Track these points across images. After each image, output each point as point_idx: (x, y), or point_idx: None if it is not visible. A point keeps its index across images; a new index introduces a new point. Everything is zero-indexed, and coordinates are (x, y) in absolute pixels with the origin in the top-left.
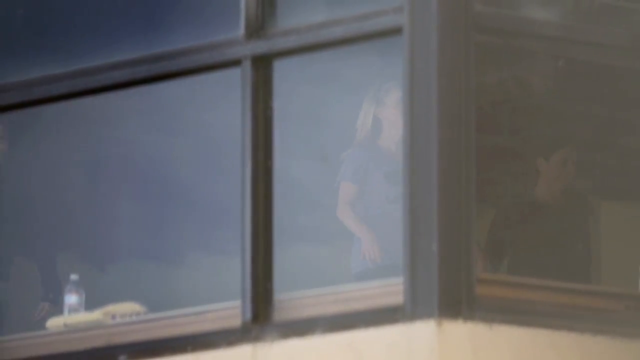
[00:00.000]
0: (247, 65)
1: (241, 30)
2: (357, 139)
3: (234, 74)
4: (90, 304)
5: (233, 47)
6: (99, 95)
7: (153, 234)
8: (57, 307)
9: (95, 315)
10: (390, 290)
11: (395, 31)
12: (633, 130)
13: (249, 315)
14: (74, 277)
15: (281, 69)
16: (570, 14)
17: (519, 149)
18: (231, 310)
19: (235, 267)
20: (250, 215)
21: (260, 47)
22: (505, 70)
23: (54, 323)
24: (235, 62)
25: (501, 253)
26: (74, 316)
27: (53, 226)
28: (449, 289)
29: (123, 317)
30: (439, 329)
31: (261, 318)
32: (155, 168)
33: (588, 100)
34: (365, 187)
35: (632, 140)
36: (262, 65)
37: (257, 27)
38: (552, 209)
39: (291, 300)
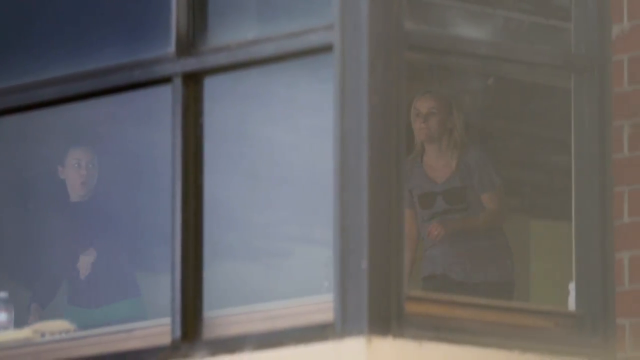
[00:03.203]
0: (177, 82)
1: (172, 48)
2: None
3: (165, 91)
4: (19, 322)
5: (164, 65)
6: (28, 113)
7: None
8: None
9: (25, 332)
10: (320, 307)
11: (326, 49)
12: (562, 148)
13: (178, 332)
14: (2, 294)
15: (212, 86)
16: (500, 33)
17: None
18: (160, 328)
19: (164, 285)
20: (180, 233)
21: (190, 64)
22: (435, 88)
23: None
24: (165, 80)
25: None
26: (3, 334)
27: None
28: (379, 306)
29: (52, 334)
30: (368, 346)
31: (191, 335)
32: None
33: (517, 119)
34: None
35: (561, 158)
36: (193, 82)
37: (188, 45)
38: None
39: (221, 317)
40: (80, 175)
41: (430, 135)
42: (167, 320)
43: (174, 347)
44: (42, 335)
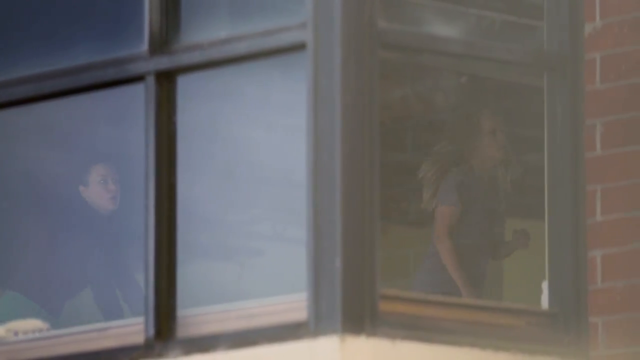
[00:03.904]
0: (150, 80)
1: (145, 46)
2: None
3: (138, 89)
4: None
5: (137, 63)
6: (1, 111)
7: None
8: None
9: None
10: (294, 306)
11: (299, 47)
12: (535, 147)
13: (152, 331)
14: None
15: (185, 85)
16: (473, 31)
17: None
18: (134, 327)
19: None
20: (154, 231)
21: (163, 62)
22: (409, 87)
23: None
24: (138, 78)
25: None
26: None
27: None
28: (352, 305)
29: (25, 333)
30: (342, 344)
31: (164, 334)
32: (57, 184)
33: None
34: None
35: (534, 157)
36: (166, 80)
37: (161, 43)
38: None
39: (194, 316)
40: (109, 190)
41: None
42: (141, 319)
43: (148, 346)
44: (15, 334)
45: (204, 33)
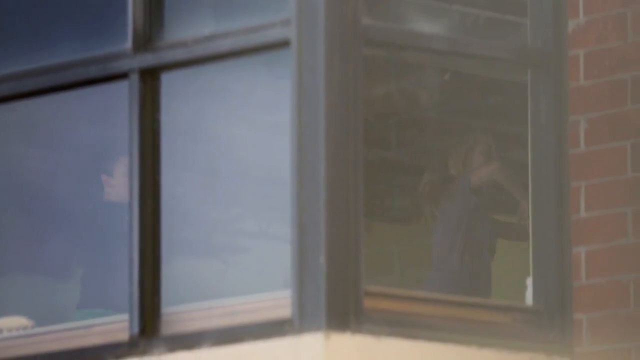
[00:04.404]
0: (134, 78)
1: (129, 43)
2: None
3: (122, 87)
4: None
5: (121, 60)
6: None
7: (39, 248)
8: None
9: None
10: (278, 303)
11: (283, 44)
12: (519, 143)
13: (136, 328)
14: None
15: (169, 82)
16: (457, 28)
17: (407, 162)
18: (119, 324)
19: (122, 281)
20: (138, 229)
21: (147, 60)
22: (392, 83)
23: None
24: (122, 75)
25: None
26: None
27: None
28: (337, 302)
29: (10, 331)
30: (326, 341)
31: (149, 331)
32: (42, 182)
33: (474, 113)
34: None
35: (518, 153)
36: (150, 78)
37: (145, 40)
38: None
39: (179, 313)
40: None
41: None
42: (126, 316)
43: (132, 343)
44: (0, 331)
45: (187, 30)
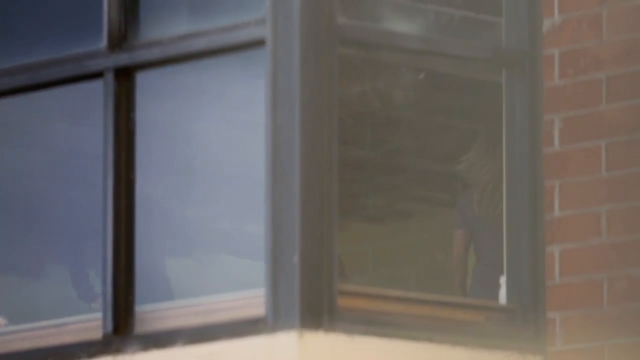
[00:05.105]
0: (109, 77)
1: (103, 42)
2: None
3: (96, 86)
4: None
5: (95, 59)
6: None
7: (13, 247)
8: None
9: None
10: (252, 301)
11: (258, 43)
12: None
13: (109, 327)
14: None
15: (144, 81)
16: (432, 27)
17: (381, 161)
18: (92, 322)
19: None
20: (112, 228)
21: (122, 59)
22: (367, 83)
23: None
24: (97, 74)
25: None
26: None
27: None
28: (311, 301)
29: None
30: (300, 340)
31: (122, 330)
32: (15, 181)
33: (449, 113)
34: None
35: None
36: (125, 77)
37: (120, 39)
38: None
39: (152, 312)
40: None
41: None
42: (99, 314)
43: (106, 341)
44: None
45: (163, 29)
